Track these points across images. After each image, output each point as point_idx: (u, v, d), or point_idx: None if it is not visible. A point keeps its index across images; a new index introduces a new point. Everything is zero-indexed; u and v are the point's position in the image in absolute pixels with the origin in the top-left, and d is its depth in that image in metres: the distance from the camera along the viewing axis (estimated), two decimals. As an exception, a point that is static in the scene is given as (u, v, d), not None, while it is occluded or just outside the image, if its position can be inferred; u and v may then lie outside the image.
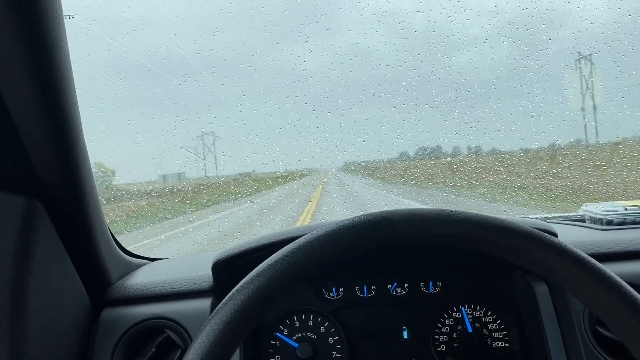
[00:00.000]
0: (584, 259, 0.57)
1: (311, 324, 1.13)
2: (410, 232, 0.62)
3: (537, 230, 0.60)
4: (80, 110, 0.86)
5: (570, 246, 0.58)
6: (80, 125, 0.88)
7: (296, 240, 0.61)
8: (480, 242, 0.61)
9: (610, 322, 0.57)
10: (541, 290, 1.04)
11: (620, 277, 0.57)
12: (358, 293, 1.16)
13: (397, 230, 0.62)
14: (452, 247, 0.63)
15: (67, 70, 0.80)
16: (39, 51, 0.73)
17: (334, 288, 1.15)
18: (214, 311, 0.57)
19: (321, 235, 0.62)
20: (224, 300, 0.57)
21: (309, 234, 0.63)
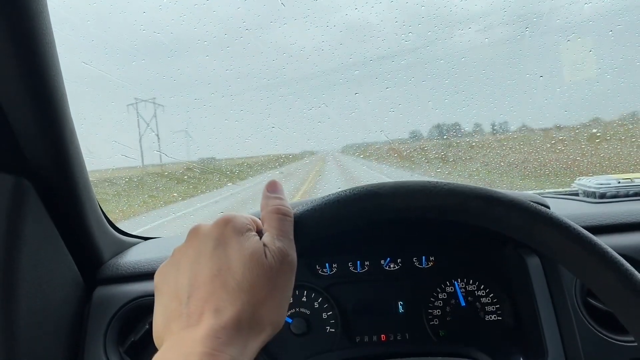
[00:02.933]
0: (572, 227, 0.57)
1: (305, 299, 1.14)
2: (397, 205, 0.61)
3: (525, 200, 0.59)
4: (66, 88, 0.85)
5: (558, 215, 0.58)
6: (67, 102, 0.87)
7: None
8: (467, 213, 0.61)
9: (599, 291, 0.56)
10: (533, 263, 1.04)
11: (613, 248, 0.57)
12: (351, 269, 1.16)
13: (383, 203, 0.61)
14: (443, 221, 0.63)
15: (51, 46, 0.79)
16: (22, 29, 0.72)
17: (327, 264, 1.15)
18: None
19: (307, 211, 0.62)
20: None
21: (295, 210, 0.62)
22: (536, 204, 0.59)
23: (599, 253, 0.55)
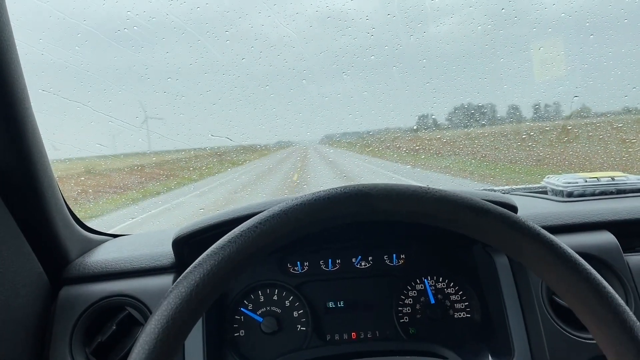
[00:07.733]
0: (557, 244, 0.57)
1: (276, 298, 1.13)
2: (387, 207, 0.61)
3: (512, 214, 0.60)
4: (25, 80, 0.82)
5: (546, 233, 0.58)
6: (27, 95, 0.84)
7: (270, 209, 0.59)
8: (455, 222, 0.61)
9: (558, 290, 0.57)
10: (501, 261, 1.06)
11: (576, 247, 0.57)
12: (323, 267, 1.16)
13: (373, 204, 0.61)
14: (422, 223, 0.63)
15: (10, 39, 0.77)
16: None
17: (298, 262, 1.15)
18: (182, 275, 0.55)
19: (297, 205, 0.61)
20: (193, 265, 0.55)
21: (283, 203, 0.61)
22: (525, 220, 0.59)
23: (559, 254, 0.56)
